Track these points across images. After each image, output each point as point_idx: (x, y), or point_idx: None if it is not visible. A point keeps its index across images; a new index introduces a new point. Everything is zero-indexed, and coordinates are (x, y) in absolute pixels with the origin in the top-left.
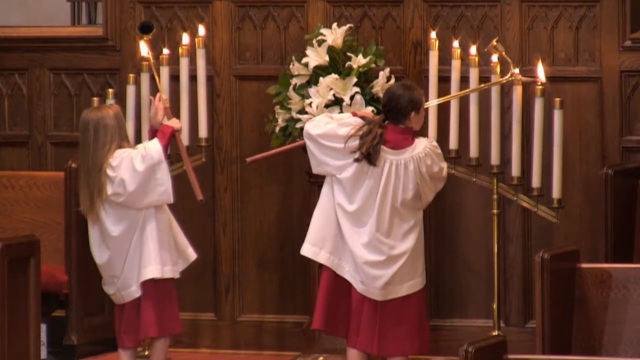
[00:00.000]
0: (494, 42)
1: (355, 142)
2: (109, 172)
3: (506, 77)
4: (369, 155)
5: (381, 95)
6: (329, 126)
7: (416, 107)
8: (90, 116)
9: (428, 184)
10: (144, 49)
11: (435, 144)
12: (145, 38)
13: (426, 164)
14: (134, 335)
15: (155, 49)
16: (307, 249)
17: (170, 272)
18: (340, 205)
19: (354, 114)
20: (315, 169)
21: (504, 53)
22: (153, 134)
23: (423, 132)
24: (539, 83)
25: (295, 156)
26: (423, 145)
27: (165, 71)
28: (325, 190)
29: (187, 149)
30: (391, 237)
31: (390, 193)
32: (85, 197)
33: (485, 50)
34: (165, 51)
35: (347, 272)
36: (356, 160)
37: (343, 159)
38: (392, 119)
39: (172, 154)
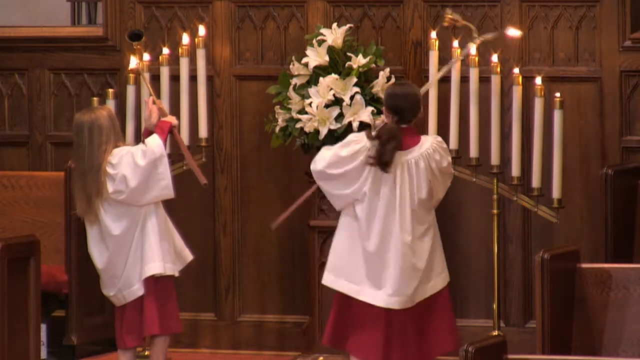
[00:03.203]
0: (449, 14)
1: (362, 156)
2: (109, 170)
3: (463, 52)
4: (386, 164)
5: (381, 95)
6: (329, 154)
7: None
8: (84, 118)
9: (439, 180)
10: (133, 61)
11: (440, 139)
12: (135, 46)
13: (435, 159)
14: (137, 335)
15: (155, 49)
16: (327, 278)
17: (171, 269)
18: (362, 238)
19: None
20: (339, 206)
21: (462, 21)
22: (148, 136)
23: (423, 132)
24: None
25: (295, 156)
26: (430, 142)
27: (165, 71)
28: (343, 223)
29: (187, 148)
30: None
31: (407, 195)
32: (82, 199)
33: (445, 24)
34: (165, 51)
35: (368, 295)
36: (372, 164)
37: (357, 179)
38: (405, 120)
39: (173, 153)
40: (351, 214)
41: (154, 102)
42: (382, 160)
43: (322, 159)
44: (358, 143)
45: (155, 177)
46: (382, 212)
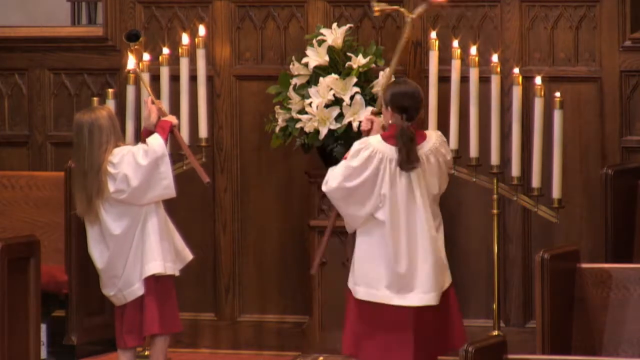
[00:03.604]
0: (375, 6)
1: (374, 161)
2: (110, 169)
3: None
4: (415, 163)
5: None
6: (340, 170)
7: None
8: (84, 118)
9: (444, 174)
10: (131, 62)
11: (440, 133)
12: (132, 46)
13: (442, 153)
14: (137, 335)
15: (155, 49)
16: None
17: (171, 269)
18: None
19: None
20: (358, 224)
21: (390, 7)
22: (147, 136)
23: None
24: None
25: (295, 156)
26: (435, 136)
27: (165, 71)
28: (361, 237)
29: (188, 147)
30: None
31: (425, 190)
32: (82, 199)
33: (376, 14)
34: (165, 51)
35: (402, 298)
36: (410, 169)
37: (374, 186)
38: (411, 117)
39: (172, 153)
40: (368, 229)
41: (152, 102)
42: (412, 160)
43: (334, 177)
44: (367, 149)
45: (157, 177)
46: (404, 211)
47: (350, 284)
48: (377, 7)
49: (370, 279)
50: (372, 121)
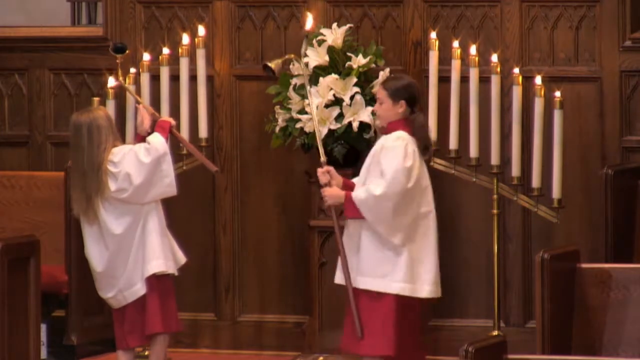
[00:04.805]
0: (271, 64)
1: (418, 155)
2: (111, 168)
3: None
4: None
5: None
6: (397, 172)
7: None
8: (82, 119)
9: None
10: (111, 80)
11: None
12: (118, 59)
13: None
14: (139, 334)
15: (155, 49)
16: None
17: (172, 268)
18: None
19: None
20: (406, 228)
21: (280, 59)
22: (141, 141)
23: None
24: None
25: (295, 156)
26: None
27: (165, 71)
28: (411, 245)
29: (189, 142)
30: None
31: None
32: (81, 199)
33: (276, 71)
34: (165, 51)
35: (424, 291)
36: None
37: (420, 178)
38: (416, 109)
39: (172, 153)
40: (418, 236)
41: (144, 108)
42: (429, 149)
43: (394, 184)
44: (408, 144)
45: (159, 175)
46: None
47: (388, 285)
48: (272, 64)
49: (424, 275)
50: (329, 171)
